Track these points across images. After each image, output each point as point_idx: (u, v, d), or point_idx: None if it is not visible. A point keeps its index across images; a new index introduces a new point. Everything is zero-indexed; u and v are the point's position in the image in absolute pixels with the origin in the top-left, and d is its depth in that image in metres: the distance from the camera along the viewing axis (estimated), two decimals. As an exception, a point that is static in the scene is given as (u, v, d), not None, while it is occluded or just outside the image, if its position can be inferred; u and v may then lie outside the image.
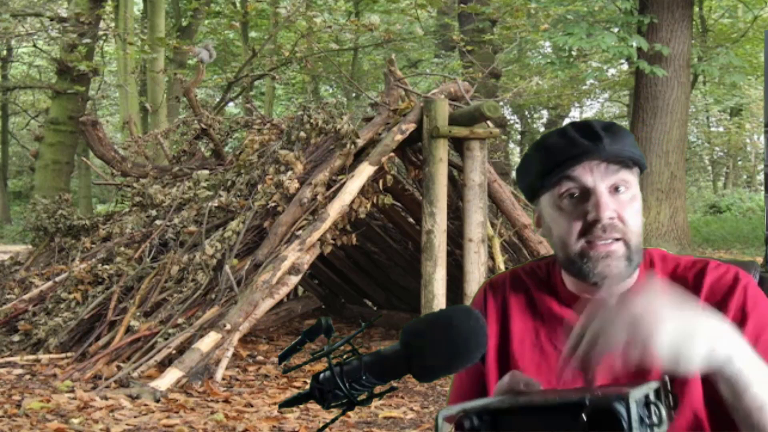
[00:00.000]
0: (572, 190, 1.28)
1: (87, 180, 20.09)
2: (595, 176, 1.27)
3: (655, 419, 0.95)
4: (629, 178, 1.29)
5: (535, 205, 1.37)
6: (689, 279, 1.33)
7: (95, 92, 21.04)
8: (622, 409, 0.92)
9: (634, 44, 11.78)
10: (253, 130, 7.28)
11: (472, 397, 1.35)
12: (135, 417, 4.30)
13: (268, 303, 5.61)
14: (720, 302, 1.28)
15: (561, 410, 0.97)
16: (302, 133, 6.40)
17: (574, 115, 28.71)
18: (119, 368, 5.18)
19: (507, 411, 1.01)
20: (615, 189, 1.28)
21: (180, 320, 5.47)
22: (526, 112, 26.84)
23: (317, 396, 1.14)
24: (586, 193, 1.28)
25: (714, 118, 28.62)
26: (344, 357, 1.14)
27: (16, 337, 6.00)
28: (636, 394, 0.94)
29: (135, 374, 5.01)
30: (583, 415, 0.94)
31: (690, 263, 1.36)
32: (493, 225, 6.53)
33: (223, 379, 5.17)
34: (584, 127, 1.29)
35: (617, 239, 1.27)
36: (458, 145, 6.28)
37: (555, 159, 1.28)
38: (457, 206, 6.44)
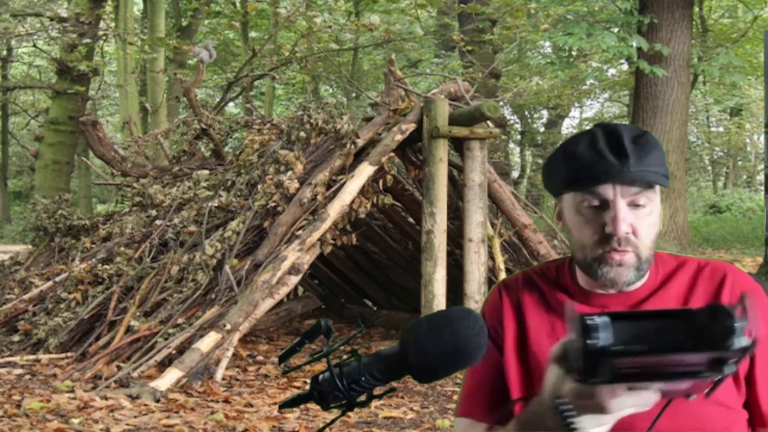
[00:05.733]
0: (593, 201, 1.35)
1: (87, 180, 20.08)
2: (617, 191, 1.33)
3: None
4: (651, 195, 1.35)
5: (557, 199, 1.44)
6: (706, 283, 1.41)
7: (95, 92, 21.04)
8: (732, 310, 0.95)
9: (634, 44, 11.77)
10: (253, 130, 7.28)
11: (492, 387, 1.43)
12: (135, 417, 4.30)
13: (268, 303, 5.61)
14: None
15: (674, 316, 0.99)
16: (302, 133, 6.40)
17: (575, 115, 28.72)
18: (119, 368, 5.18)
19: (623, 317, 1.01)
20: (635, 205, 1.35)
21: (180, 320, 5.47)
22: (526, 112, 26.82)
23: (317, 397, 1.14)
24: (606, 205, 1.34)
25: (714, 118, 28.62)
26: (344, 358, 1.14)
27: (16, 337, 6.00)
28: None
29: (135, 374, 5.02)
30: (699, 313, 0.96)
31: (705, 265, 1.44)
32: (493, 225, 6.52)
33: (223, 379, 5.17)
34: (614, 140, 1.33)
35: (630, 251, 1.34)
36: (458, 145, 6.28)
37: (581, 173, 1.34)
38: (457, 206, 6.44)
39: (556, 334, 1.41)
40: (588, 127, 1.47)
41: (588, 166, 1.33)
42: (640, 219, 1.34)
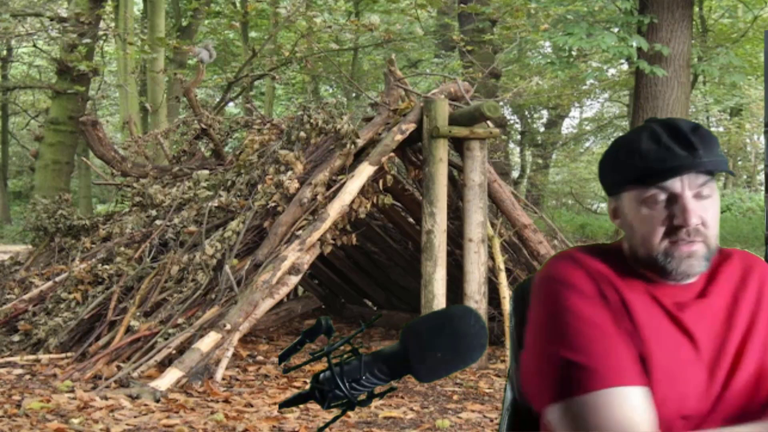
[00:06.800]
0: (660, 195, 1.35)
1: (87, 180, 20.06)
2: (684, 183, 1.34)
3: None
4: (713, 185, 1.36)
5: (614, 197, 1.42)
6: (752, 278, 1.43)
7: (95, 92, 21.01)
8: None
9: (634, 44, 11.75)
10: (253, 130, 7.28)
11: (627, 348, 1.32)
12: (135, 417, 4.30)
13: (268, 303, 5.61)
14: None
15: None
16: (302, 133, 6.40)
17: (575, 115, 28.68)
18: (119, 368, 5.18)
19: None
20: (701, 196, 1.35)
21: (180, 320, 5.47)
22: (526, 112, 26.79)
23: (317, 396, 1.14)
24: (673, 198, 1.34)
25: (714, 118, 28.59)
26: (344, 357, 1.14)
27: (16, 337, 6.00)
28: None
29: (135, 374, 5.01)
30: None
31: (738, 256, 1.46)
32: (493, 225, 6.52)
33: (223, 379, 5.17)
34: (678, 133, 1.34)
35: (700, 241, 1.35)
36: (458, 145, 6.28)
37: (649, 169, 1.33)
38: (457, 206, 6.44)
39: (644, 304, 1.36)
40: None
41: (658, 160, 1.33)
42: (707, 209, 1.35)
